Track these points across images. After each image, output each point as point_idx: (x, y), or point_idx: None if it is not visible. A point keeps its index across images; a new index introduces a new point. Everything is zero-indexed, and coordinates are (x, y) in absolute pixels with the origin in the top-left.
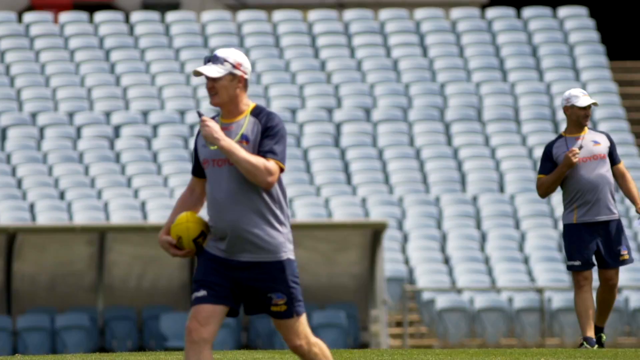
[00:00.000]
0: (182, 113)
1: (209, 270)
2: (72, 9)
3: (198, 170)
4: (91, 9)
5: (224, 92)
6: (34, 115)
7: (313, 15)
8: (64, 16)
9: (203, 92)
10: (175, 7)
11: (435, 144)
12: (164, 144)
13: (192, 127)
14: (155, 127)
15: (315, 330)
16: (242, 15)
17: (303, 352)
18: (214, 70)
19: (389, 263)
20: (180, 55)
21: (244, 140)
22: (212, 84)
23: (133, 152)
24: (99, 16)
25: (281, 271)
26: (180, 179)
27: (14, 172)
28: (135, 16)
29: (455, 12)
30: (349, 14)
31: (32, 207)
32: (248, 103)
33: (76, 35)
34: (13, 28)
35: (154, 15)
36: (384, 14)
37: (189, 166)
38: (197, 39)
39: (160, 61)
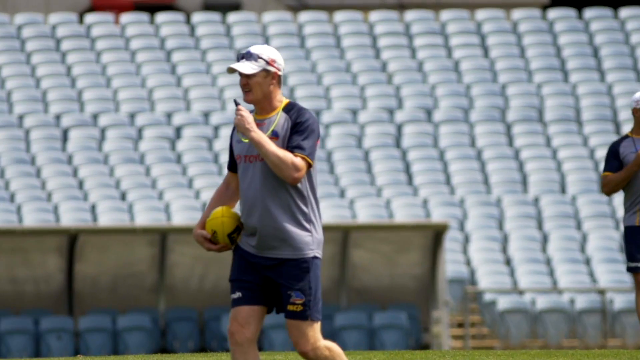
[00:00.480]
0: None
1: (242, 269)
2: (133, 10)
3: (233, 165)
4: (152, 10)
5: (258, 89)
6: (95, 117)
7: (374, 16)
8: (125, 17)
9: None
10: (236, 7)
11: (496, 145)
12: (226, 145)
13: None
14: (216, 128)
15: (377, 331)
16: (303, 16)
17: (300, 351)
18: (248, 67)
19: (451, 264)
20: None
21: (274, 136)
22: (246, 80)
23: (194, 154)
24: (160, 17)
25: (305, 270)
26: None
27: (75, 173)
28: (196, 17)
29: (517, 13)
30: (409, 15)
31: (93, 208)
32: (281, 99)
33: (137, 36)
34: (74, 29)
35: (215, 16)
36: (445, 14)
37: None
38: (257, 40)
39: (221, 62)
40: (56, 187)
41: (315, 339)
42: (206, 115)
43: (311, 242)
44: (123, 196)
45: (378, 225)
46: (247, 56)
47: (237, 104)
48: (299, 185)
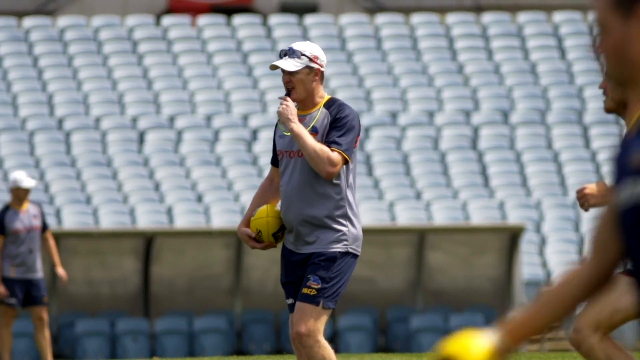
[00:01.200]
0: None
1: (287, 271)
2: (210, 12)
3: (276, 160)
4: (229, 12)
5: (301, 86)
6: (172, 119)
7: (451, 18)
8: (202, 19)
9: (345, 93)
10: (313, 9)
11: (573, 147)
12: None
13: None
14: None
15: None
16: (380, 18)
17: (303, 344)
18: (291, 64)
19: (527, 266)
20: None
21: (313, 132)
22: (289, 78)
23: (270, 156)
24: (237, 19)
25: (330, 260)
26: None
27: (152, 175)
28: (273, 19)
29: (593, 15)
30: (486, 17)
31: (170, 211)
32: (323, 95)
33: (214, 38)
34: (151, 32)
35: (292, 18)
36: (522, 16)
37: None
38: (334, 42)
39: None
40: (133, 189)
41: (317, 328)
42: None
43: (344, 238)
44: (199, 198)
45: (454, 227)
46: (290, 53)
47: (288, 94)
48: (335, 181)
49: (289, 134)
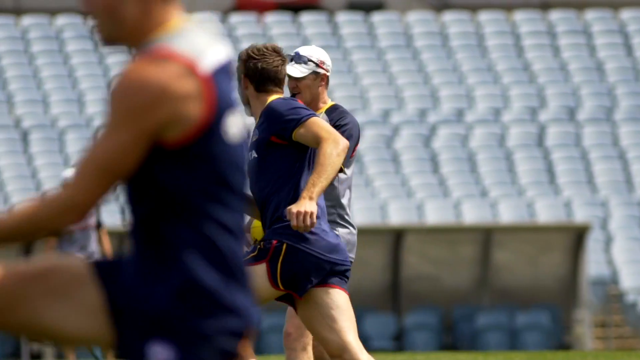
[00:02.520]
0: (386, 114)
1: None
2: (277, 9)
3: None
4: (296, 9)
5: (307, 91)
6: None
7: (518, 15)
8: (269, 16)
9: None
10: (379, 7)
11: None
12: (368, 145)
13: (396, 128)
14: (360, 129)
15: (518, 331)
16: (447, 15)
17: (289, 346)
18: (298, 70)
19: (593, 265)
20: (384, 56)
21: None
22: (296, 83)
23: (374, 153)
24: (304, 16)
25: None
26: (385, 180)
27: None
28: (340, 16)
29: None
30: (553, 14)
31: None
32: (326, 101)
33: (281, 35)
34: (218, 29)
35: (359, 15)
36: (589, 14)
37: (390, 167)
38: (401, 39)
39: (364, 61)
40: None
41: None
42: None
43: (344, 239)
44: None
45: (520, 226)
46: (297, 59)
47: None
48: (336, 189)
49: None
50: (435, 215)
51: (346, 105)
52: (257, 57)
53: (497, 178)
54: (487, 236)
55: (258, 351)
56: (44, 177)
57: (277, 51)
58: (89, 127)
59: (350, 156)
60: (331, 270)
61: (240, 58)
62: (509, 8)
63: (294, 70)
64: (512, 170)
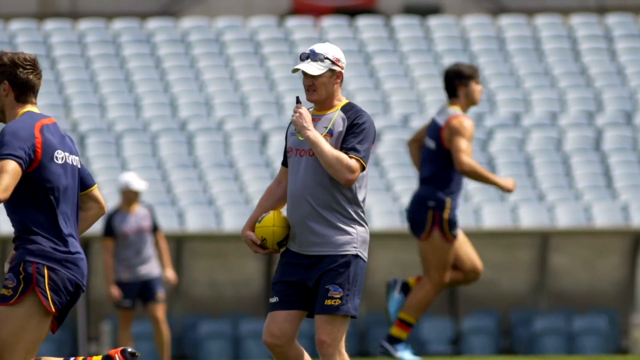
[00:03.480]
0: None
1: (285, 272)
2: (334, 13)
3: (287, 160)
4: (352, 13)
5: (323, 89)
6: None
7: (574, 19)
8: (326, 21)
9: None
10: (436, 11)
11: None
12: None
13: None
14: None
15: (576, 336)
16: (503, 19)
17: (324, 352)
18: (315, 68)
19: None
20: (441, 60)
21: (329, 134)
22: (312, 81)
23: (395, 157)
24: (360, 20)
25: (344, 266)
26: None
27: (274, 177)
28: (396, 20)
29: None
30: (610, 19)
31: None
32: (341, 98)
33: (337, 39)
34: (274, 34)
35: (415, 19)
36: None
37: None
38: (457, 43)
39: (421, 65)
40: (256, 191)
41: (339, 337)
42: (406, 119)
43: (353, 240)
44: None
45: (577, 230)
46: (313, 56)
47: (298, 101)
48: (349, 189)
49: (302, 138)
50: (492, 219)
51: (402, 109)
52: (27, 67)
53: (554, 182)
54: (544, 240)
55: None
56: (101, 181)
57: (38, 64)
58: (145, 131)
59: (369, 153)
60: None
61: (3, 64)
62: (565, 12)
63: (311, 67)
64: (569, 174)
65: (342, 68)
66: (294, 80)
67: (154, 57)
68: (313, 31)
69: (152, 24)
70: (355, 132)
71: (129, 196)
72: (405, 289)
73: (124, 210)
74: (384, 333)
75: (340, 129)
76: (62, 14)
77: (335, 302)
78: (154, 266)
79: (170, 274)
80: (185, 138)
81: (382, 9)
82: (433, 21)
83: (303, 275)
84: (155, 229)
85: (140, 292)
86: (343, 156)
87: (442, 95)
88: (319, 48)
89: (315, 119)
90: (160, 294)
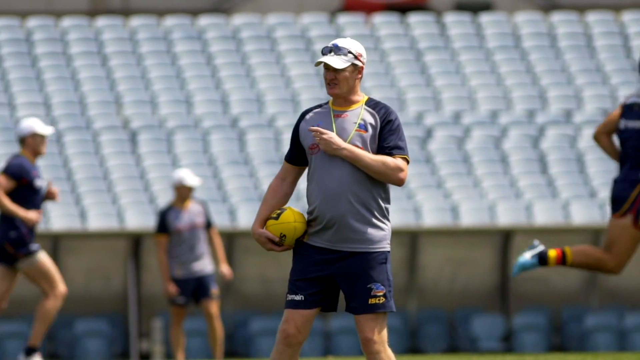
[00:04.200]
0: (494, 115)
1: (308, 269)
2: (385, 10)
3: (295, 158)
4: (404, 10)
5: (345, 83)
6: None
7: (626, 16)
8: (377, 17)
9: (552, 92)
10: (487, 7)
11: None
12: (477, 146)
13: (504, 129)
14: (468, 129)
15: (627, 333)
16: (555, 16)
17: (371, 350)
18: (339, 61)
19: None
20: (492, 57)
21: (362, 129)
22: (334, 75)
23: (446, 154)
24: (412, 17)
25: (383, 262)
26: (494, 181)
27: None
28: (448, 17)
29: None
30: None
31: None
32: (361, 94)
33: (388, 36)
34: (325, 30)
35: (467, 16)
36: None
37: (498, 168)
38: (509, 40)
39: (472, 62)
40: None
41: (385, 334)
42: (457, 115)
43: (386, 237)
44: None
45: None
46: (336, 50)
47: (308, 129)
48: (379, 181)
49: (324, 128)
50: (543, 215)
51: (453, 106)
52: None
53: (606, 179)
54: (595, 237)
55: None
56: (152, 177)
57: None
58: (197, 128)
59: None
60: None
61: None
62: (617, 8)
63: (336, 61)
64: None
65: (363, 64)
66: None
67: (205, 53)
68: (364, 28)
69: (204, 20)
70: (392, 130)
71: (183, 192)
72: (542, 260)
73: (178, 207)
74: (436, 330)
75: (372, 123)
76: (114, 11)
77: (379, 300)
78: (207, 263)
79: (225, 269)
80: (236, 135)
81: (433, 6)
82: (484, 18)
83: (331, 271)
84: (209, 225)
85: (194, 289)
86: (387, 159)
87: (494, 92)
88: (342, 42)
89: (340, 115)
90: (214, 290)
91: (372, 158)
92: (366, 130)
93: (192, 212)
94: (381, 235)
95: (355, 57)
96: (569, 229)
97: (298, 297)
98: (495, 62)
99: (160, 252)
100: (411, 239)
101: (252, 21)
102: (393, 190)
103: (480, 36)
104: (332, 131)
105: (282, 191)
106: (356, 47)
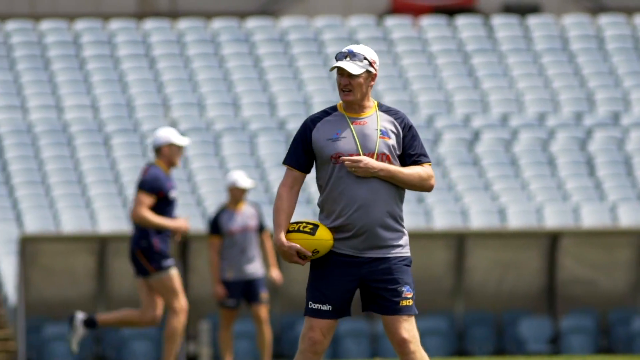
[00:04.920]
0: (542, 117)
1: (333, 277)
2: (432, 13)
3: (305, 165)
4: (451, 13)
5: (359, 89)
6: None
7: None
8: (424, 20)
9: (568, 94)
10: (535, 10)
11: None
12: (524, 148)
13: (552, 131)
14: (515, 132)
15: None
16: (603, 18)
17: (410, 350)
18: (355, 67)
19: None
20: (540, 59)
21: (385, 136)
22: (349, 80)
23: (493, 157)
24: (459, 20)
25: (408, 266)
26: (541, 183)
27: None
28: (496, 19)
29: None
30: None
31: None
32: (372, 99)
33: (436, 39)
34: (373, 33)
35: (514, 18)
36: None
37: (545, 170)
38: (556, 42)
39: (520, 65)
40: None
41: (417, 334)
42: (504, 118)
43: (407, 241)
44: (421, 200)
45: None
46: (351, 55)
47: (341, 159)
48: (400, 188)
49: (345, 137)
50: (591, 218)
51: (500, 108)
52: None
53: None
54: None
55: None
56: (199, 180)
57: None
58: (244, 130)
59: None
60: None
61: None
62: None
63: (353, 66)
64: (630, 173)
65: (376, 71)
66: (392, 80)
67: (252, 56)
68: (412, 30)
69: (251, 23)
70: (414, 136)
71: (236, 194)
72: None
73: (231, 209)
74: (483, 332)
75: (393, 130)
76: (161, 14)
77: (409, 302)
78: (259, 266)
79: (276, 274)
80: (283, 137)
81: (481, 8)
82: (532, 20)
83: (359, 277)
84: (261, 228)
85: (244, 291)
86: (420, 171)
87: (541, 94)
88: (357, 48)
89: (358, 122)
90: (264, 294)
91: (407, 173)
92: (388, 137)
93: (245, 214)
94: (404, 240)
95: (370, 64)
96: (617, 232)
97: (325, 307)
98: (543, 65)
99: (212, 253)
100: (458, 241)
101: (299, 24)
102: (439, 192)
103: (528, 38)
104: (354, 139)
105: (293, 200)
106: (370, 54)
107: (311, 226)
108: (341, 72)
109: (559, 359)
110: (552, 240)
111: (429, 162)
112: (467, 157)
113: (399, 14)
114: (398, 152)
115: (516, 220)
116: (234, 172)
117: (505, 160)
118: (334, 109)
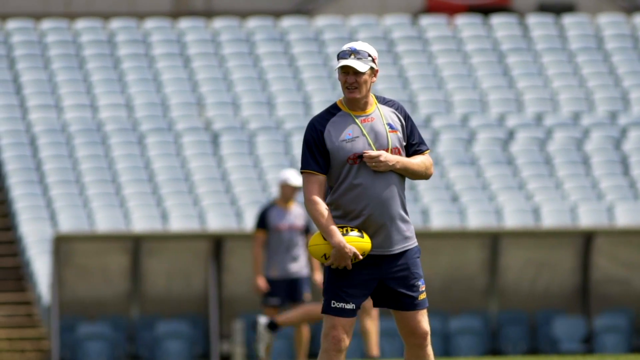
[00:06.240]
0: (576, 116)
1: (356, 277)
2: (468, 12)
3: (326, 168)
4: (486, 12)
5: (364, 86)
6: (427, 119)
7: None
8: (459, 19)
9: (602, 93)
10: (570, 9)
11: None
12: (559, 148)
13: (586, 130)
14: (549, 131)
15: None
16: (638, 18)
17: (427, 343)
18: (362, 65)
19: None
20: (575, 58)
21: (393, 129)
22: (355, 78)
23: (527, 156)
24: (494, 19)
25: (418, 256)
26: (576, 182)
27: None
28: (531, 18)
29: None
30: None
31: (425, 212)
32: (370, 94)
33: (471, 38)
34: (408, 32)
35: (549, 18)
36: None
37: (580, 169)
38: (591, 42)
39: (555, 64)
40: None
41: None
42: (539, 117)
43: (413, 228)
44: (455, 198)
45: None
46: (356, 54)
47: (361, 156)
48: (405, 180)
49: (357, 136)
50: (625, 217)
51: (535, 108)
52: None
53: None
54: None
55: (447, 353)
56: (234, 179)
57: None
58: (279, 130)
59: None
60: None
61: None
62: None
63: (359, 64)
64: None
65: (377, 67)
66: (426, 79)
67: (287, 55)
68: (447, 30)
69: (286, 22)
70: (412, 125)
71: (286, 191)
72: None
73: (280, 206)
74: (517, 331)
75: (397, 121)
76: (196, 13)
77: (424, 295)
78: (303, 265)
79: (319, 277)
80: None
81: (516, 7)
82: (567, 19)
83: (380, 275)
84: (307, 230)
85: (288, 290)
86: (423, 159)
87: (576, 93)
88: (359, 46)
89: (366, 119)
90: (307, 294)
91: (416, 163)
92: (397, 129)
93: (294, 213)
94: (412, 230)
95: (372, 61)
96: None
97: (349, 306)
98: (578, 64)
99: (256, 247)
100: (492, 241)
101: (334, 23)
102: (473, 191)
103: (563, 38)
104: (366, 137)
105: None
106: (372, 50)
107: (349, 228)
108: (346, 70)
109: (592, 358)
110: (586, 239)
111: (428, 149)
112: (501, 156)
113: (434, 13)
114: (404, 143)
115: (550, 220)
116: (287, 170)
117: (540, 159)
118: (336, 108)
